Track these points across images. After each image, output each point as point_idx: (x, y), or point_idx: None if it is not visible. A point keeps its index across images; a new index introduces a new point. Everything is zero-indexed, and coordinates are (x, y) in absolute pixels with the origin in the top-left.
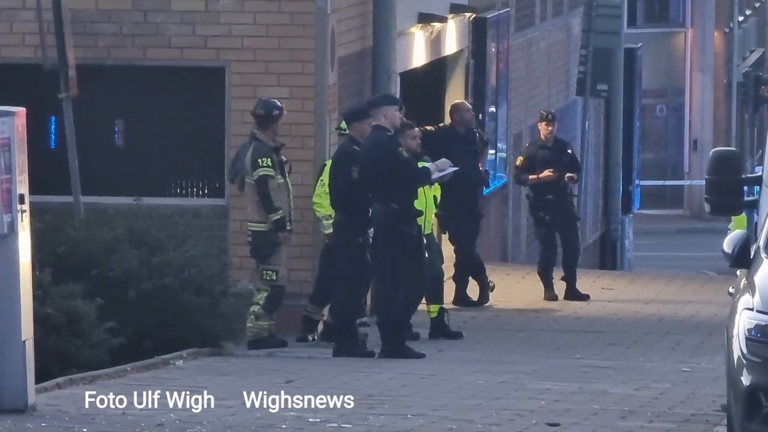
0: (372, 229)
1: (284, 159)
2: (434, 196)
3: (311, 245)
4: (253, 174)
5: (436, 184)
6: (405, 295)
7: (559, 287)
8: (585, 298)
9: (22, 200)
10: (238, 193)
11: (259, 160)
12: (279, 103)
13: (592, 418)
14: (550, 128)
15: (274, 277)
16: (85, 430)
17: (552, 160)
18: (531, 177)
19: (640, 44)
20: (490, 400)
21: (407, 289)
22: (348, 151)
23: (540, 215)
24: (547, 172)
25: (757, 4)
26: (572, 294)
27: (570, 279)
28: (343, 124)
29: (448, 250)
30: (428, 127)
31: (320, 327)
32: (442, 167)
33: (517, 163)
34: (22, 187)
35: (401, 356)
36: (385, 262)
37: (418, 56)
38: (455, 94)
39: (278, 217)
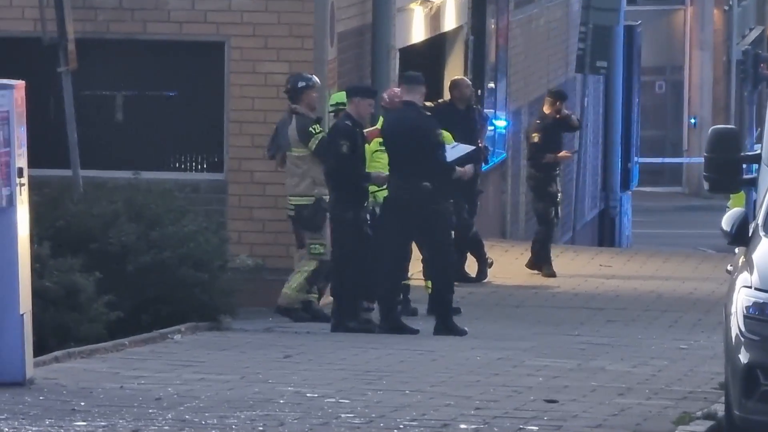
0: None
1: None
2: None
3: None
4: (310, 144)
5: None
6: (443, 270)
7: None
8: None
9: (21, 174)
10: (280, 169)
11: (311, 129)
12: (307, 75)
13: (590, 395)
14: (559, 106)
15: (322, 251)
16: (83, 403)
17: (559, 136)
18: (550, 156)
19: (639, 21)
20: (488, 376)
21: (443, 264)
22: (341, 128)
23: (551, 190)
24: (565, 153)
25: None
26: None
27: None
28: (336, 98)
29: None
30: (427, 104)
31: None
32: None
33: (535, 140)
34: (21, 160)
35: (400, 332)
36: (420, 238)
37: (418, 32)
38: (454, 70)
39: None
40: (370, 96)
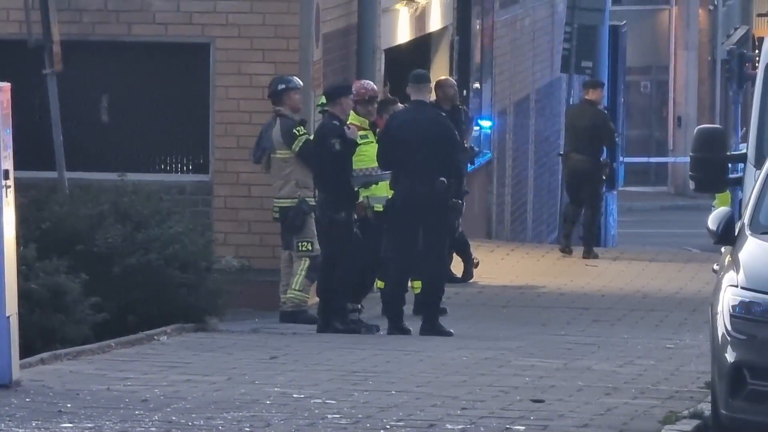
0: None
1: None
2: None
3: None
4: (294, 146)
5: None
6: (438, 269)
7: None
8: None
9: (6, 176)
10: (263, 171)
11: (295, 131)
12: (287, 78)
13: (577, 395)
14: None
15: (310, 248)
16: (69, 405)
17: None
18: None
19: (624, 21)
20: (475, 376)
21: (439, 263)
22: (329, 127)
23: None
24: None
25: None
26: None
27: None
28: (322, 99)
29: None
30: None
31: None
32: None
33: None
34: (7, 162)
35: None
36: (424, 234)
37: (403, 33)
38: (440, 70)
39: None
40: (351, 91)
